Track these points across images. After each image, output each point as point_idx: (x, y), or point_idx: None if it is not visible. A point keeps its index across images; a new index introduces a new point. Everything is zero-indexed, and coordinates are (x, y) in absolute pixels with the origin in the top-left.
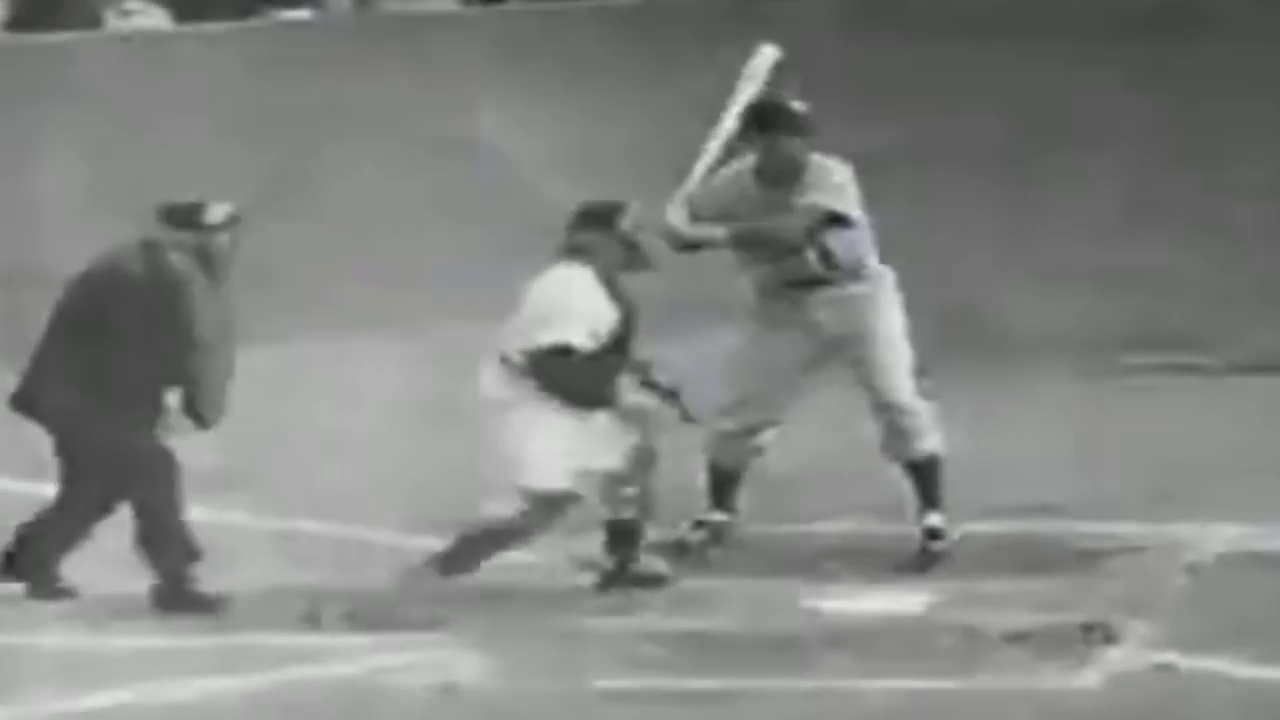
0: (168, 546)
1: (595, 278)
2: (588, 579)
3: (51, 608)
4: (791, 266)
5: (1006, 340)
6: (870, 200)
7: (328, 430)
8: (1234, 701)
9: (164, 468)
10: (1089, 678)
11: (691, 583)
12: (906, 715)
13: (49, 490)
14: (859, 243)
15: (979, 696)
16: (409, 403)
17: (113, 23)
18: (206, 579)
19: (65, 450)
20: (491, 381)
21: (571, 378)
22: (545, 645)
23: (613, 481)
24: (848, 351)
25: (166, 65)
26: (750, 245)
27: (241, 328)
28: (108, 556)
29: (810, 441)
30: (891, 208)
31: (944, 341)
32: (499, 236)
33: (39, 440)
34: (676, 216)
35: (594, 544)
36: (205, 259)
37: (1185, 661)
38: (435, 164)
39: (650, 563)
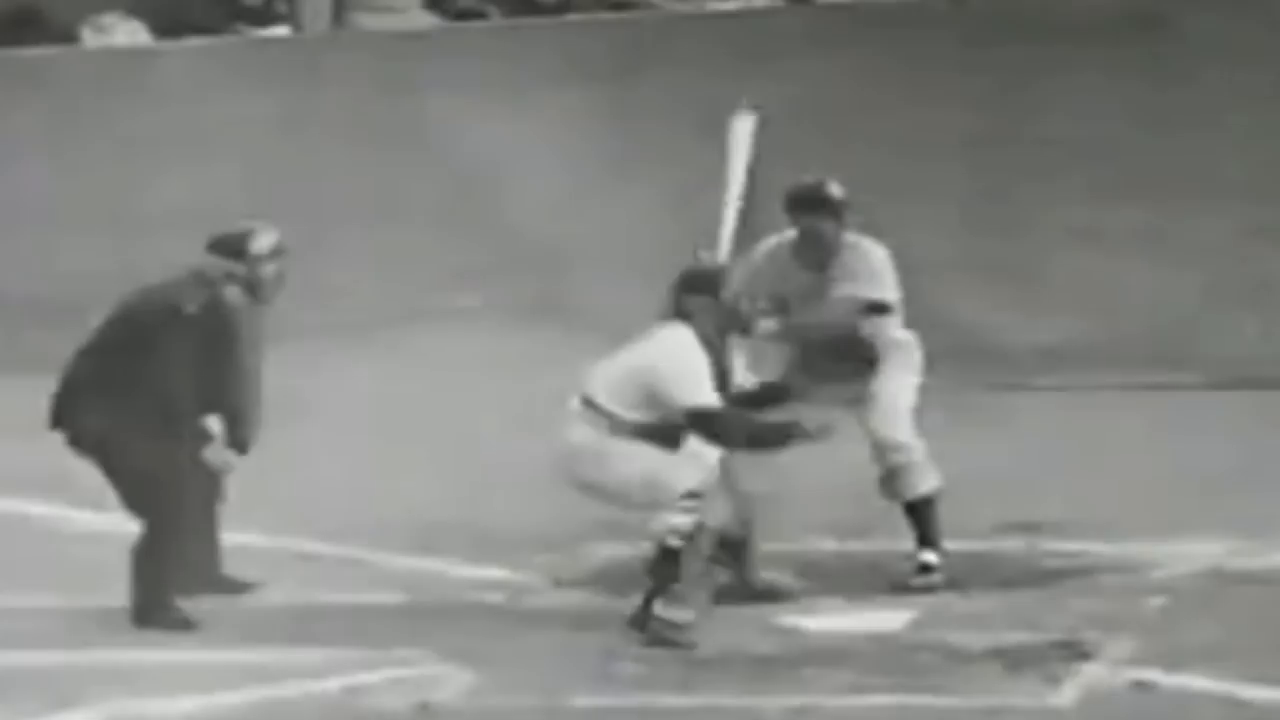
0: (157, 567)
1: (699, 341)
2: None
3: (30, 623)
4: (823, 351)
5: (982, 356)
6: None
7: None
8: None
9: (188, 491)
10: (1066, 695)
11: None
12: None
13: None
14: (892, 324)
15: (957, 714)
16: (373, 412)
17: (89, 38)
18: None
19: (111, 474)
20: (580, 427)
21: (740, 427)
22: (523, 663)
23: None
24: (852, 407)
25: (144, 81)
26: (797, 337)
27: None
28: (87, 569)
29: (793, 459)
30: (862, 214)
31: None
32: (468, 248)
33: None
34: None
35: (571, 563)
36: (252, 288)
37: (1163, 679)
38: (405, 176)
39: (775, 578)
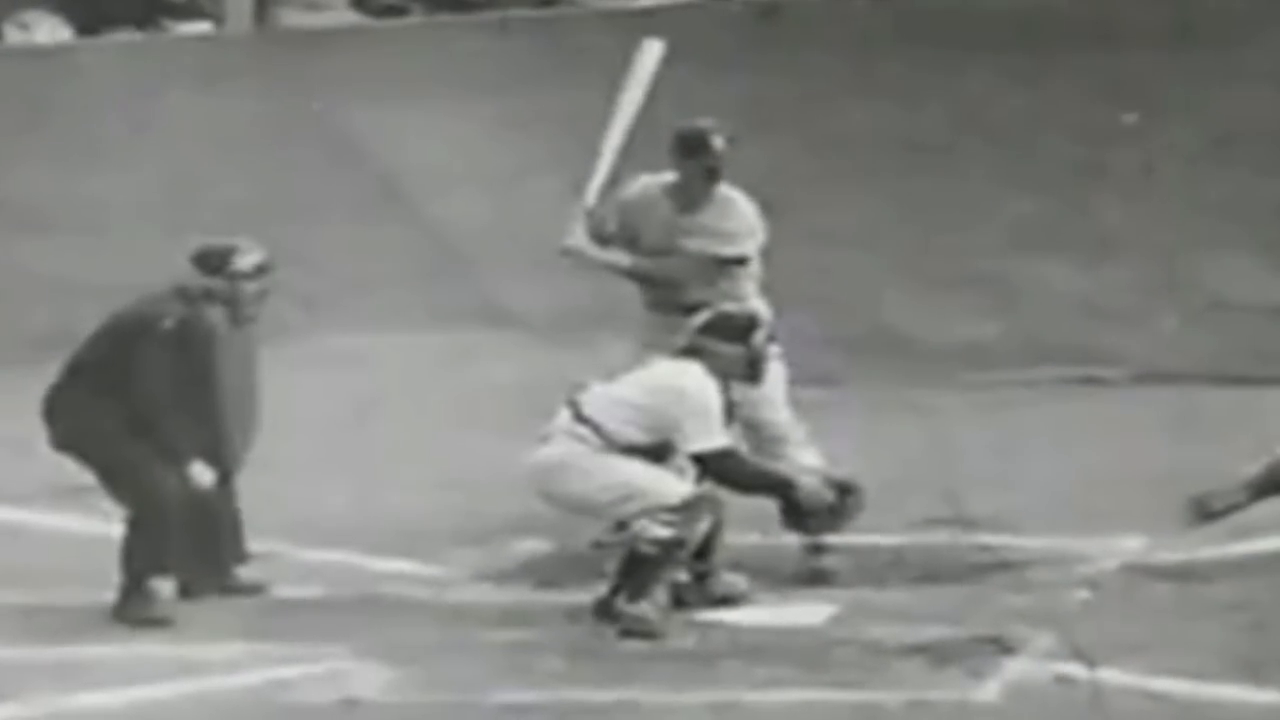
0: (138, 563)
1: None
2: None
3: None
4: (680, 294)
5: (905, 352)
6: (769, 203)
7: None
8: (1134, 713)
9: (171, 490)
10: (989, 690)
11: (593, 593)
12: None
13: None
14: (750, 280)
15: (879, 708)
16: (290, 409)
17: (11, 35)
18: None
19: (95, 469)
20: (567, 442)
21: (745, 471)
22: (445, 658)
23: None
24: None
25: (65, 78)
26: (644, 279)
27: None
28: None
29: None
30: (788, 217)
31: (843, 353)
32: (391, 249)
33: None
34: (578, 238)
35: (492, 558)
36: (233, 306)
37: (1085, 673)
38: (328, 176)
39: (733, 581)
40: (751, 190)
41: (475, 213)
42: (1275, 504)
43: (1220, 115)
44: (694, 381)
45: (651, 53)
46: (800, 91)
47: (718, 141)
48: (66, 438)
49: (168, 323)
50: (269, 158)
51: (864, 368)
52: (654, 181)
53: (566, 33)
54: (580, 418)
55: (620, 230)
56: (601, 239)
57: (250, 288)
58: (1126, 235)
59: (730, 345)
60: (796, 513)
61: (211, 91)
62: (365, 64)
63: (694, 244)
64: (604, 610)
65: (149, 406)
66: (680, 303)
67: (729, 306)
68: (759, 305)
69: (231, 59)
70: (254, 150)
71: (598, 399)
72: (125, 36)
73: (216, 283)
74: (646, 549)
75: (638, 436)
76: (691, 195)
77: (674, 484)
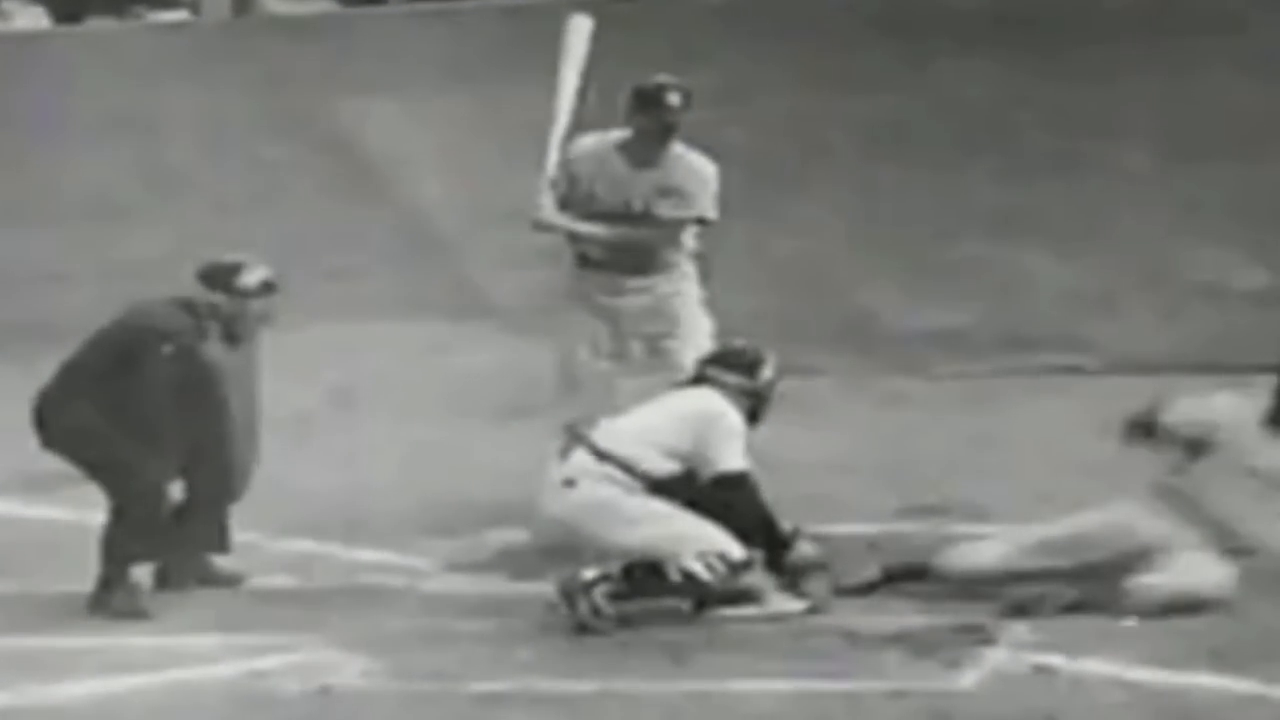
0: (117, 554)
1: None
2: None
3: None
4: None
5: (885, 341)
6: (747, 192)
7: None
8: (1113, 704)
9: (157, 481)
10: (967, 679)
11: None
12: (785, 717)
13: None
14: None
15: (858, 697)
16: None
17: None
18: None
19: (83, 465)
20: (592, 485)
21: (755, 503)
22: (421, 648)
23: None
24: (650, 343)
25: (43, 65)
26: (621, 246)
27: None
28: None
29: None
30: (766, 207)
31: (824, 342)
32: (370, 238)
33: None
34: (548, 211)
35: (467, 548)
36: (236, 323)
37: (1065, 663)
38: (306, 164)
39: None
40: (729, 179)
41: (455, 202)
42: None
43: (1198, 103)
44: (721, 404)
45: (580, 30)
46: (774, 82)
47: (673, 97)
48: (55, 437)
49: (167, 349)
50: (247, 146)
51: (844, 356)
52: (604, 139)
53: (547, 22)
54: (602, 455)
55: (572, 190)
56: (565, 205)
57: (255, 305)
58: (1105, 224)
59: (740, 378)
60: (778, 566)
61: (190, 80)
62: (344, 52)
63: (652, 202)
64: (574, 589)
65: (150, 423)
66: (639, 264)
67: (738, 342)
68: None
69: (210, 47)
70: (232, 139)
71: (617, 434)
72: (104, 24)
73: (220, 299)
74: (673, 574)
75: (667, 466)
76: (646, 151)
77: (731, 540)
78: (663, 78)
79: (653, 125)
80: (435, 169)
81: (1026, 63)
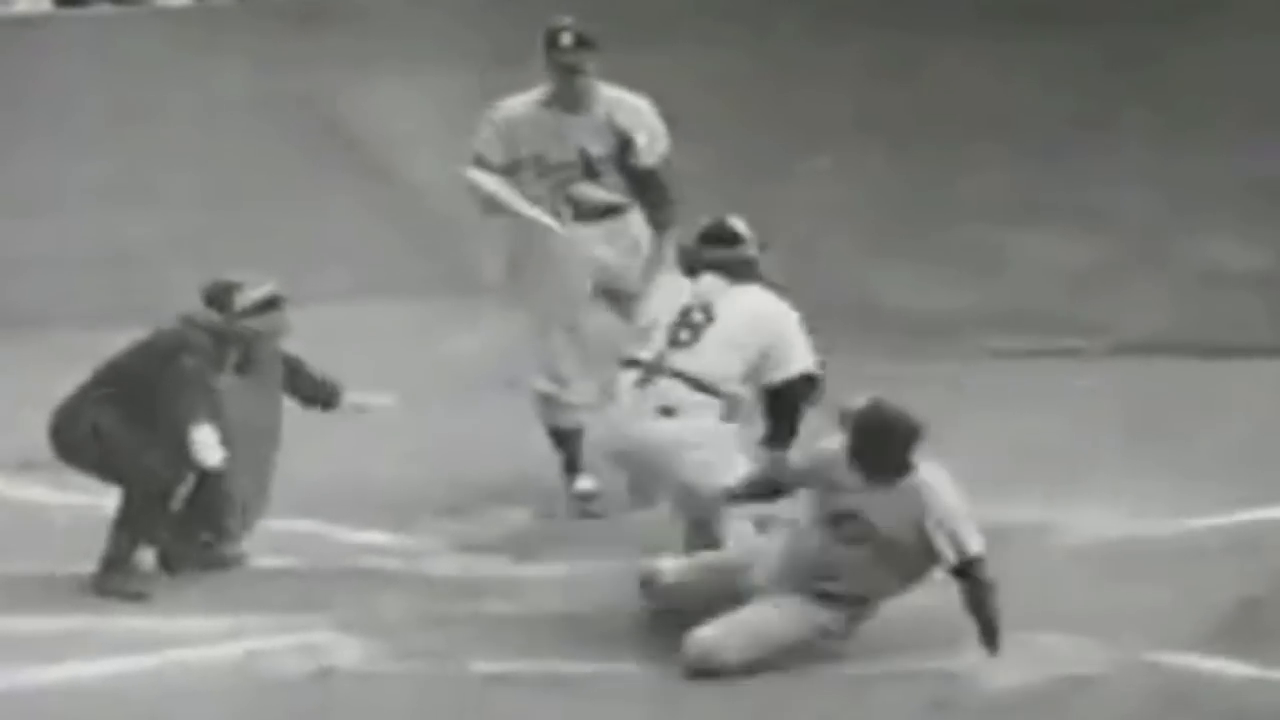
0: (124, 539)
1: None
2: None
3: None
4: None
5: (884, 323)
6: (745, 176)
7: None
8: (1109, 683)
9: (166, 478)
10: (964, 658)
11: (572, 564)
12: (779, 694)
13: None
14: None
15: (855, 679)
16: None
17: None
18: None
19: (95, 468)
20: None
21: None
22: (422, 629)
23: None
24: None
25: (47, 49)
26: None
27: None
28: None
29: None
30: (764, 185)
31: (820, 322)
32: (368, 219)
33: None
34: (484, 179)
35: (472, 528)
36: (228, 344)
37: (1063, 642)
38: (308, 147)
39: None
40: (727, 165)
41: (454, 184)
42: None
43: (1198, 88)
44: (775, 299)
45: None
46: (767, 70)
47: (566, 38)
48: (69, 447)
49: (189, 360)
50: (250, 130)
51: (841, 337)
52: (520, 99)
53: (547, 6)
54: (691, 381)
55: (515, 155)
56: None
57: (253, 323)
58: (1106, 207)
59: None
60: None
61: (193, 64)
62: (347, 35)
63: (593, 144)
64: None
65: (170, 425)
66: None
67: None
68: None
69: (213, 31)
70: (235, 123)
71: (695, 355)
72: (105, 8)
73: (217, 320)
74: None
75: (740, 384)
76: (561, 96)
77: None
78: (559, 19)
79: (554, 69)
80: (437, 151)
81: (1031, 46)
